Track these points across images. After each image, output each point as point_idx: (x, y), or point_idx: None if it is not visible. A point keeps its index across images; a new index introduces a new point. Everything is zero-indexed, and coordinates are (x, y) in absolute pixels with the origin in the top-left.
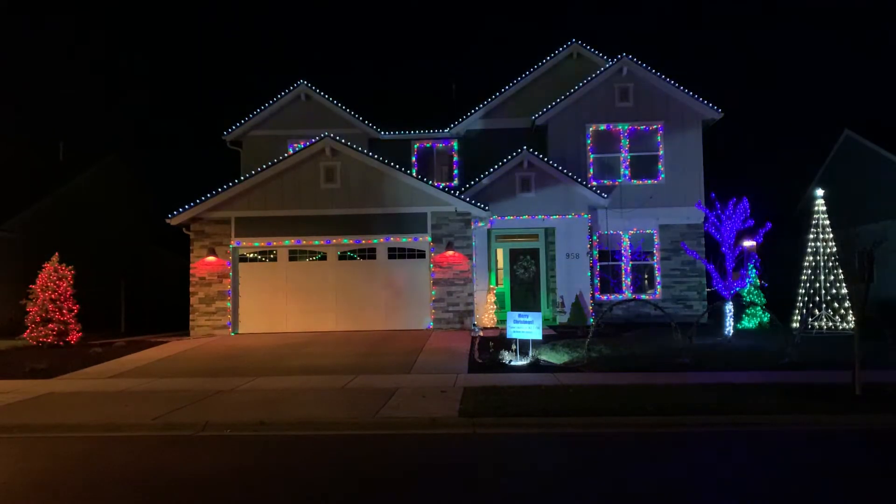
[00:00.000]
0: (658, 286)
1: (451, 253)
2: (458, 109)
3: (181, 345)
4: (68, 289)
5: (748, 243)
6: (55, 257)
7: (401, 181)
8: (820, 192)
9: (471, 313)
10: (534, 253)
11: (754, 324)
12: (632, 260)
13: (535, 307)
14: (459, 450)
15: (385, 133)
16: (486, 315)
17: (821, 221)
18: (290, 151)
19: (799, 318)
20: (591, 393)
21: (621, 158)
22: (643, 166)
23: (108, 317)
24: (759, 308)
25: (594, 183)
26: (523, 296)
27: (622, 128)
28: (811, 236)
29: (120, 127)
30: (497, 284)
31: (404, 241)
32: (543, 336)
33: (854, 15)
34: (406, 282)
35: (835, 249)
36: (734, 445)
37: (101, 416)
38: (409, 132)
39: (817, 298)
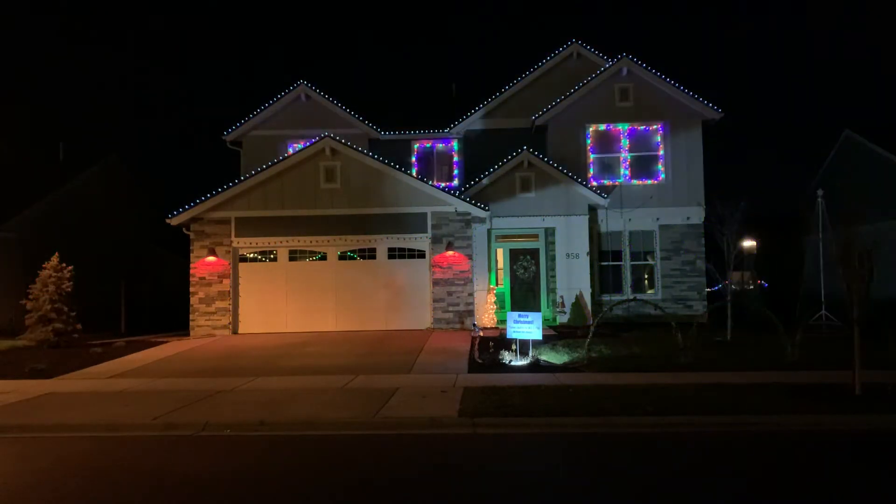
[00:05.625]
0: (658, 286)
1: (451, 253)
2: (458, 109)
3: (181, 345)
4: (68, 289)
5: (748, 243)
6: (55, 257)
7: (401, 181)
8: (820, 192)
9: (471, 313)
10: (534, 253)
11: (754, 324)
12: (632, 260)
13: (535, 307)
14: (459, 450)
15: (385, 133)
16: (486, 315)
17: (821, 221)
18: (290, 151)
19: (799, 318)
20: (591, 393)
21: (621, 158)
22: (643, 166)
23: (108, 317)
24: (759, 308)
25: (594, 183)
26: (523, 296)
27: (622, 128)
28: (811, 236)
29: (120, 127)
30: (497, 284)
31: (404, 241)
32: (543, 336)
33: (854, 15)
34: (406, 282)
35: (835, 249)
36: (734, 446)
37: (101, 416)
38: (409, 132)
39: (817, 298)
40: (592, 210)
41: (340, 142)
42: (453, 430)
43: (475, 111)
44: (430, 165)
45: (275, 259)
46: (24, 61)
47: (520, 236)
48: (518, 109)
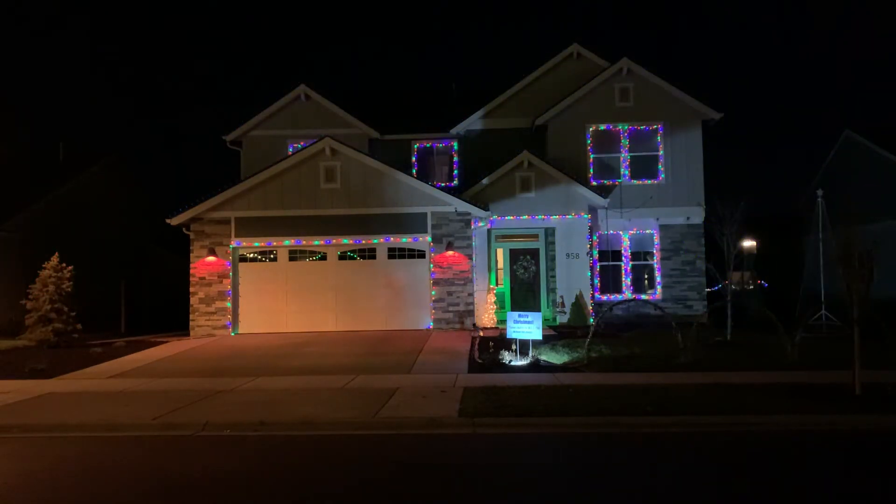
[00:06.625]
0: (658, 286)
1: (451, 253)
2: (458, 109)
3: (181, 345)
4: (68, 289)
5: (748, 243)
6: (55, 257)
7: (401, 181)
8: (820, 192)
9: (471, 313)
10: (534, 253)
11: (754, 324)
12: (632, 260)
13: (535, 307)
14: (459, 450)
15: (385, 133)
16: (486, 315)
17: (821, 221)
18: (290, 151)
19: (799, 318)
20: (591, 393)
21: (621, 158)
22: (643, 166)
23: (108, 317)
24: (758, 308)
25: (594, 183)
26: (523, 296)
27: (622, 128)
28: (811, 236)
29: (120, 127)
30: (497, 284)
31: (404, 241)
32: (543, 336)
33: (856, 15)
34: (406, 282)
35: (835, 249)
36: (734, 446)
37: (101, 416)
38: (410, 132)
39: (817, 298)
40: (592, 210)
41: (340, 142)
42: (453, 430)
43: (475, 111)
44: (430, 165)
45: (275, 259)
46: (24, 62)
47: (520, 236)
48: (518, 109)
